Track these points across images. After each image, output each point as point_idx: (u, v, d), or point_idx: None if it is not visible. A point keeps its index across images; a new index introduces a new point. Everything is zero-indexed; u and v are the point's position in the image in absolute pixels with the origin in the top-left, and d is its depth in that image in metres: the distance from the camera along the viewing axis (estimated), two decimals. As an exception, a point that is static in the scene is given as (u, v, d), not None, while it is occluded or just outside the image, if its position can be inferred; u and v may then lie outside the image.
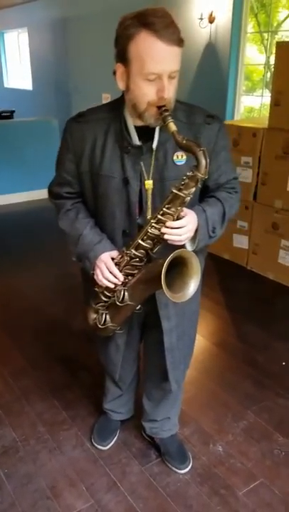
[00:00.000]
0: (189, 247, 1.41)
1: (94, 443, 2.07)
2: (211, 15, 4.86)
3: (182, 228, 1.32)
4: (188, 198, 1.30)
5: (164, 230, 1.31)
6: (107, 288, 1.48)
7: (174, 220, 1.31)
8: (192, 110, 1.44)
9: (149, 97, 1.26)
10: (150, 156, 1.39)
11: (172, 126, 1.23)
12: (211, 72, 5.12)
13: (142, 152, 1.38)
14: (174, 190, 1.29)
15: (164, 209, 1.31)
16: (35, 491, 1.86)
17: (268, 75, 4.99)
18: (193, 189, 1.28)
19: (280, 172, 3.41)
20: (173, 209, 1.30)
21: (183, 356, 1.73)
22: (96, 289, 1.53)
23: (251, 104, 5.41)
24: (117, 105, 1.41)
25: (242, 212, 3.77)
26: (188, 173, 1.27)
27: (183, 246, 1.38)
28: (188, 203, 1.34)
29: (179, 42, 1.23)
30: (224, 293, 3.45)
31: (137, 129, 1.38)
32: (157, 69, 1.22)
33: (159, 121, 1.28)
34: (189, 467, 1.95)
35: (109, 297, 1.51)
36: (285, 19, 5.00)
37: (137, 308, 1.50)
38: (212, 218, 1.43)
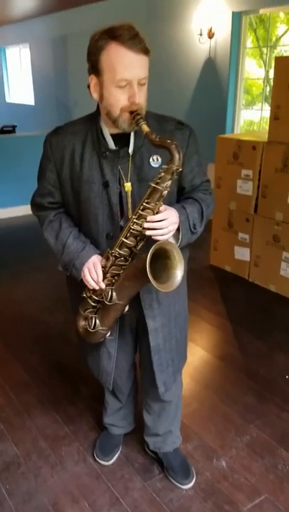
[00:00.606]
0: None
1: (96, 458, 2.05)
2: (210, 31, 4.93)
3: (163, 221, 1.37)
4: (166, 191, 1.36)
5: (146, 224, 1.36)
6: (95, 292, 1.51)
7: (153, 215, 1.37)
8: (163, 118, 1.53)
9: (122, 102, 1.35)
10: (127, 161, 1.46)
11: (145, 128, 1.32)
12: (211, 87, 5.17)
13: (118, 156, 1.45)
14: (152, 184, 1.36)
15: (144, 204, 1.37)
16: (37, 508, 1.84)
17: (267, 88, 5.04)
18: (170, 182, 1.36)
19: (280, 185, 3.43)
20: (152, 204, 1.37)
21: (170, 359, 1.73)
22: (84, 294, 1.56)
23: (251, 118, 5.46)
24: (93, 117, 1.50)
25: (243, 224, 3.78)
26: (163, 166, 1.35)
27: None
28: (166, 203, 1.40)
29: (146, 51, 1.33)
30: (226, 305, 3.45)
31: (113, 136, 1.46)
32: (127, 75, 1.31)
33: (133, 125, 1.37)
34: (193, 482, 1.93)
35: (97, 301, 1.54)
36: (283, 34, 5.07)
37: (126, 310, 1.54)
38: (192, 215, 1.50)
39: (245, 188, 3.68)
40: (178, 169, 1.34)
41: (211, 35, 4.94)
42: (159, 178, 1.35)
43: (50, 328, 3.07)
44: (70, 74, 7.63)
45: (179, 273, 1.40)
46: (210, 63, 5.12)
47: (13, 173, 5.43)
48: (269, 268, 3.67)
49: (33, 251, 4.21)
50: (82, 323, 1.59)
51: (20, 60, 9.76)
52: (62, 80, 7.92)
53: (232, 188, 3.78)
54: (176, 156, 1.31)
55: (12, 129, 7.84)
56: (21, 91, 9.91)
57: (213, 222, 4.10)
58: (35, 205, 1.64)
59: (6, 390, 2.52)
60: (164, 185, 1.35)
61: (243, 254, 3.86)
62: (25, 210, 5.51)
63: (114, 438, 2.10)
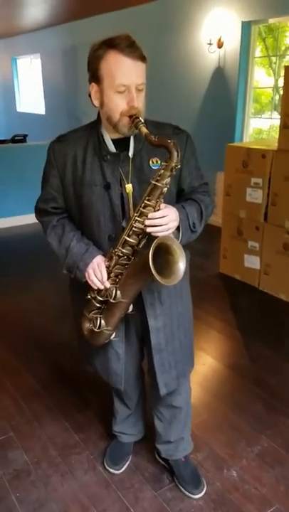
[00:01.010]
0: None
1: (106, 467, 2.05)
2: (219, 40, 4.97)
3: (164, 218, 1.41)
4: (166, 188, 1.41)
5: (147, 221, 1.40)
6: (99, 292, 1.54)
7: (154, 212, 1.41)
8: (161, 124, 1.58)
9: (121, 107, 1.41)
10: (128, 163, 1.51)
11: (144, 129, 1.38)
12: (220, 96, 5.20)
13: (119, 159, 1.50)
14: (152, 182, 1.41)
15: (145, 201, 1.41)
16: (47, 517, 1.84)
17: (277, 97, 5.05)
18: (169, 179, 1.41)
19: (290, 193, 3.43)
20: (153, 201, 1.41)
21: (174, 361, 1.73)
22: (88, 296, 1.58)
23: (260, 126, 5.47)
24: (94, 124, 1.56)
25: (253, 232, 3.78)
26: (163, 163, 1.40)
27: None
28: (166, 203, 1.44)
29: (142, 58, 1.40)
30: (235, 314, 3.44)
31: (113, 141, 1.52)
32: (126, 81, 1.38)
33: (132, 128, 1.42)
34: (203, 492, 1.92)
35: (102, 302, 1.56)
36: (292, 43, 5.09)
37: (130, 310, 1.56)
38: (191, 214, 1.54)
39: (255, 196, 3.68)
40: (176, 166, 1.39)
41: (220, 45, 4.98)
42: (159, 176, 1.40)
43: (60, 337, 3.07)
44: (80, 84, 7.71)
45: (181, 266, 1.43)
46: (219, 72, 5.15)
47: (24, 182, 5.48)
48: (279, 276, 3.65)
49: (43, 260, 4.24)
50: (87, 325, 1.61)
51: (31, 70, 9.88)
52: (73, 90, 8.01)
53: (241, 196, 3.78)
54: (175, 153, 1.37)
55: (23, 138, 7.93)
56: (32, 100, 10.02)
57: (222, 230, 4.10)
58: (39, 211, 1.68)
59: (16, 398, 2.53)
60: (164, 182, 1.40)
61: (252, 262, 3.85)
62: (33, 218, 5.56)
63: (124, 446, 2.10)
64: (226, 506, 1.87)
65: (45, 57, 8.79)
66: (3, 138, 8.65)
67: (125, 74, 1.37)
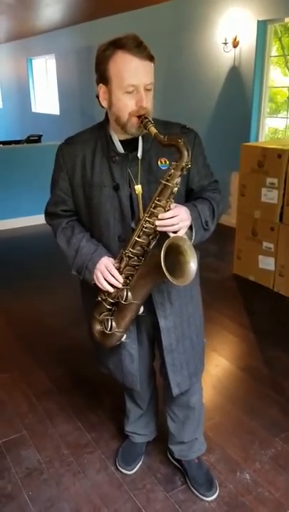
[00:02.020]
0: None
1: (118, 467, 2.04)
2: (235, 39, 4.93)
3: (174, 218, 1.40)
4: (176, 188, 1.40)
5: (157, 222, 1.39)
6: (110, 294, 1.53)
7: (165, 212, 1.40)
8: (169, 124, 1.56)
9: (130, 107, 1.40)
10: (136, 164, 1.50)
11: (153, 129, 1.37)
12: (236, 95, 5.16)
13: (128, 160, 1.49)
14: (163, 181, 1.40)
15: (156, 201, 1.41)
16: (59, 516, 1.84)
17: (293, 96, 5.00)
18: (179, 179, 1.40)
19: (306, 193, 3.39)
20: (163, 201, 1.40)
21: (185, 361, 1.72)
22: (99, 298, 1.57)
23: (275, 126, 5.42)
24: (101, 125, 1.56)
25: (268, 233, 3.75)
26: (173, 163, 1.39)
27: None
28: (175, 201, 1.43)
29: (150, 58, 1.39)
30: (250, 316, 3.41)
31: (122, 142, 1.51)
32: (134, 81, 1.37)
33: (141, 128, 1.41)
34: (216, 495, 1.90)
35: (112, 304, 1.55)
36: (309, 42, 5.04)
37: (141, 311, 1.55)
38: (203, 212, 1.53)
39: (270, 196, 3.65)
40: (187, 165, 1.38)
41: (235, 44, 4.94)
42: (169, 175, 1.39)
43: (75, 339, 3.07)
44: (95, 85, 7.72)
45: (192, 265, 1.42)
46: (234, 72, 5.12)
47: (39, 182, 5.49)
48: (294, 278, 3.61)
49: (58, 261, 4.25)
50: (98, 327, 1.61)
51: (46, 70, 9.94)
52: (87, 90, 8.03)
53: (256, 197, 3.75)
54: (185, 152, 1.35)
55: (38, 139, 7.98)
56: (47, 101, 10.09)
57: (236, 231, 4.07)
58: (49, 215, 1.68)
59: (29, 397, 2.54)
60: (174, 181, 1.39)
61: (267, 263, 3.82)
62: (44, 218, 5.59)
63: (136, 447, 2.09)
64: (238, 509, 1.85)
65: (59, 58, 8.84)
66: (18, 138, 8.72)
67: (134, 74, 1.36)
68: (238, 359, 2.88)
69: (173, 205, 1.42)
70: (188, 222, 1.45)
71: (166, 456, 2.10)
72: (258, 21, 4.72)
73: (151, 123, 1.38)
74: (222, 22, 5.09)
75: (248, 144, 4.06)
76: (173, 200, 1.42)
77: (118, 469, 2.04)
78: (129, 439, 2.11)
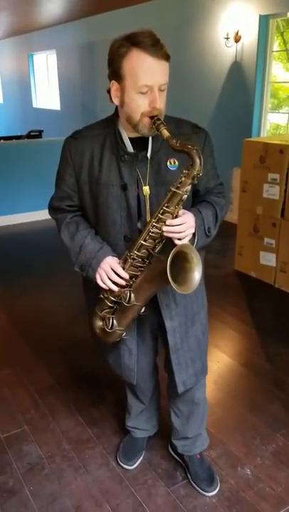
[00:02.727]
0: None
1: (120, 462, 2.05)
2: (236, 34, 4.91)
3: (181, 226, 1.39)
4: (186, 195, 1.39)
5: (164, 228, 1.38)
6: (112, 293, 1.52)
7: (173, 219, 1.39)
8: (180, 122, 1.54)
9: (143, 108, 1.37)
10: (145, 164, 1.48)
11: (166, 132, 1.34)
12: (237, 90, 5.14)
13: (137, 159, 1.47)
14: (173, 189, 1.38)
15: (164, 208, 1.39)
16: (61, 511, 1.84)
17: (295, 92, 4.98)
18: (190, 186, 1.38)
19: (308, 189, 3.38)
20: (172, 207, 1.39)
21: (190, 359, 1.72)
22: (101, 295, 1.57)
23: (277, 121, 5.40)
24: (111, 121, 1.52)
25: (269, 229, 3.74)
26: (184, 171, 1.37)
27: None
28: (183, 206, 1.42)
29: (167, 57, 1.35)
30: (251, 312, 3.41)
31: (131, 140, 1.48)
32: (149, 81, 1.33)
33: (153, 129, 1.38)
34: (217, 490, 1.90)
35: (114, 302, 1.55)
36: (311, 37, 5.01)
37: (142, 311, 1.55)
38: (207, 219, 1.52)
39: (272, 192, 3.64)
40: (198, 174, 1.36)
41: (237, 39, 4.92)
42: (180, 183, 1.37)
43: (77, 335, 3.08)
44: (96, 80, 7.70)
45: (197, 275, 1.42)
46: (236, 67, 5.09)
47: (40, 177, 5.50)
48: (296, 274, 3.61)
49: (61, 256, 4.24)
50: (99, 323, 1.61)
51: (47, 66, 9.91)
52: (89, 86, 8.01)
53: (258, 193, 3.74)
54: (197, 161, 1.34)
55: (39, 134, 7.97)
56: (48, 97, 10.06)
57: (238, 227, 4.06)
58: (54, 209, 1.67)
59: (31, 392, 2.54)
60: (184, 189, 1.38)
61: (269, 259, 3.81)
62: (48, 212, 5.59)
63: (137, 442, 2.10)
64: (239, 504, 1.85)
65: (61, 53, 8.80)
66: (19, 134, 8.71)
67: (149, 74, 1.32)
68: (240, 355, 2.88)
69: (181, 211, 1.41)
70: (193, 230, 1.44)
71: (167, 451, 2.10)
72: (260, 16, 4.70)
73: (164, 125, 1.35)
74: (224, 17, 5.06)
75: (250, 139, 4.05)
76: (181, 207, 1.41)
77: (119, 465, 2.04)
78: (130, 434, 2.11)
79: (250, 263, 3.98)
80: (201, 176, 1.48)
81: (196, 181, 1.38)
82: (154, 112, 1.36)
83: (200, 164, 1.34)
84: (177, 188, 1.37)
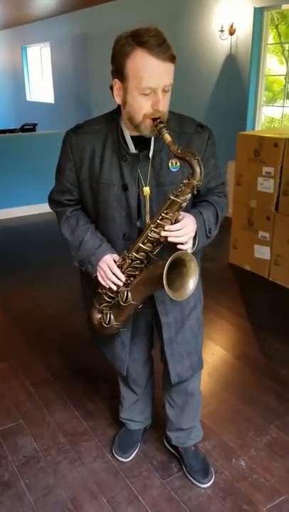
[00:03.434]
0: (189, 249, 1.46)
1: (115, 454, 2.06)
2: (231, 27, 4.89)
3: (182, 230, 1.39)
4: (185, 203, 1.38)
5: (163, 233, 1.38)
6: (110, 289, 1.54)
7: (172, 224, 1.38)
8: (183, 120, 1.52)
9: (145, 110, 1.35)
10: (147, 164, 1.46)
11: (168, 137, 1.32)
12: (232, 83, 5.13)
13: (138, 159, 1.46)
14: (172, 197, 1.37)
15: (163, 214, 1.39)
16: (56, 503, 1.85)
17: (289, 85, 4.98)
18: (189, 195, 1.37)
19: (302, 182, 3.38)
20: (171, 214, 1.38)
21: (186, 352, 1.73)
22: (99, 290, 1.58)
23: (272, 115, 5.39)
24: (113, 117, 1.49)
25: (264, 222, 3.75)
26: (184, 181, 1.36)
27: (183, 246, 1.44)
28: (183, 208, 1.41)
29: (172, 58, 1.32)
30: (245, 305, 3.42)
31: (133, 138, 1.46)
32: (153, 84, 1.31)
33: (155, 132, 1.36)
34: (211, 481, 1.92)
35: (112, 298, 1.56)
36: (306, 30, 5.00)
37: (139, 307, 1.56)
38: (208, 220, 1.51)
39: (267, 185, 3.64)
40: (198, 184, 1.35)
41: (232, 32, 4.90)
42: (179, 192, 1.36)
43: (73, 328, 3.08)
44: (90, 72, 7.65)
45: (192, 283, 1.43)
46: (231, 60, 5.08)
47: (34, 171, 5.48)
48: (290, 267, 3.62)
49: (55, 249, 4.23)
50: (97, 315, 1.63)
51: (40, 58, 9.83)
52: (83, 79, 7.96)
53: (252, 186, 3.75)
54: (198, 170, 1.32)
55: (33, 128, 7.91)
56: (41, 90, 9.99)
57: (232, 220, 4.06)
58: (54, 202, 1.66)
59: (26, 385, 2.54)
60: (184, 198, 1.37)
61: (263, 252, 3.82)
62: (46, 207, 5.57)
63: (132, 434, 2.11)
64: (234, 495, 1.87)
65: (54, 46, 8.74)
66: (12, 127, 8.64)
67: (153, 76, 1.29)
68: (234, 347, 2.90)
69: (181, 216, 1.40)
70: (193, 234, 1.44)
71: (162, 443, 2.11)
72: (255, 8, 4.68)
73: (166, 129, 1.32)
74: (218, 9, 5.04)
75: (244, 132, 4.05)
76: (181, 213, 1.40)
77: (115, 457, 2.05)
78: (126, 426, 2.12)
79: (245, 256, 3.99)
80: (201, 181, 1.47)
81: (195, 192, 1.38)
82: (157, 114, 1.34)
83: (200, 174, 1.33)
84: (176, 196, 1.36)
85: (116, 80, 1.37)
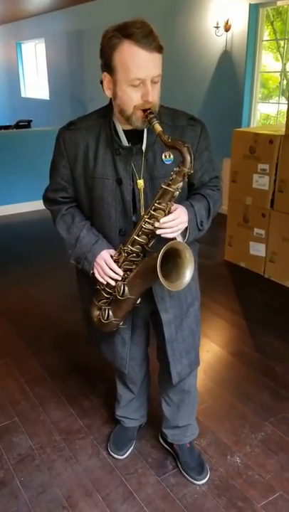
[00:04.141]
0: (180, 240, 1.46)
1: (110, 452, 2.06)
2: (226, 23, 4.88)
3: (174, 221, 1.39)
4: (177, 192, 1.38)
5: (157, 224, 1.38)
6: (108, 285, 1.54)
7: (165, 215, 1.39)
8: (176, 114, 1.52)
9: (135, 101, 1.35)
10: (140, 157, 1.46)
11: (158, 127, 1.33)
12: (227, 80, 5.12)
13: (132, 153, 1.46)
14: (164, 186, 1.37)
15: (156, 204, 1.39)
16: (51, 501, 1.85)
17: (284, 82, 4.97)
18: (181, 184, 1.37)
19: (298, 179, 3.38)
20: (164, 204, 1.38)
21: (184, 350, 1.74)
22: (98, 286, 1.58)
23: (267, 112, 5.39)
24: (106, 112, 1.49)
25: (259, 219, 3.75)
26: (175, 169, 1.36)
27: (174, 239, 1.44)
28: (177, 199, 1.42)
29: (159, 49, 1.31)
30: (240, 302, 3.42)
31: (126, 132, 1.46)
32: (141, 75, 1.31)
33: (146, 123, 1.37)
34: (207, 478, 1.92)
35: (110, 293, 1.56)
36: (301, 26, 4.99)
37: (137, 302, 1.56)
38: (200, 213, 1.51)
39: (262, 182, 3.64)
40: (189, 172, 1.35)
41: (227, 28, 4.89)
42: (171, 180, 1.37)
43: (68, 326, 3.08)
44: (85, 69, 7.62)
45: (188, 273, 1.43)
46: (226, 56, 5.07)
47: (29, 168, 5.45)
48: (285, 264, 3.63)
49: (51, 246, 4.23)
50: (96, 312, 1.62)
51: (35, 54, 9.78)
52: (78, 75, 7.92)
53: (248, 183, 3.74)
54: (188, 158, 1.33)
55: (28, 124, 7.88)
56: (36, 86, 9.94)
57: (228, 217, 4.06)
58: (48, 200, 1.65)
59: (21, 383, 2.54)
60: (176, 186, 1.37)
61: (258, 250, 3.83)
62: (41, 204, 5.55)
63: (128, 432, 2.11)
64: (229, 492, 1.87)
65: (49, 42, 8.69)
66: (7, 124, 8.61)
67: (141, 67, 1.30)
68: (229, 344, 2.90)
69: (173, 206, 1.40)
70: (186, 224, 1.44)
71: (157, 441, 2.12)
72: (250, 5, 4.67)
73: (157, 119, 1.33)
74: (214, 5, 5.03)
75: (239, 129, 4.04)
76: (173, 203, 1.40)
77: (110, 454, 2.05)
78: (121, 424, 2.12)
79: (240, 253, 3.99)
80: (194, 169, 1.46)
81: (186, 179, 1.38)
82: (147, 105, 1.34)
83: (190, 162, 1.33)
84: (168, 185, 1.37)
85: (105, 74, 1.38)
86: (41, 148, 5.40)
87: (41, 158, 5.62)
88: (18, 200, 5.61)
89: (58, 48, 8.39)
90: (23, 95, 10.49)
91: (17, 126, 7.80)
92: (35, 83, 10.00)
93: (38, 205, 5.55)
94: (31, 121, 8.04)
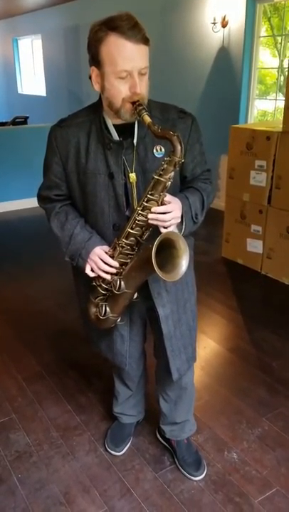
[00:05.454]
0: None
1: (107, 448, 2.06)
2: (223, 19, 4.86)
3: (167, 214, 1.38)
4: (169, 182, 1.37)
5: (150, 215, 1.38)
6: (104, 280, 1.53)
7: (158, 206, 1.38)
8: (166, 107, 1.52)
9: (123, 93, 1.35)
10: (132, 151, 1.46)
11: (147, 118, 1.32)
12: (224, 76, 5.11)
13: (122, 147, 1.46)
14: (155, 176, 1.37)
15: (148, 195, 1.38)
16: (48, 497, 1.85)
17: (282, 78, 4.97)
18: (172, 173, 1.36)
19: (295, 176, 3.38)
20: (156, 195, 1.38)
21: (183, 346, 1.74)
22: (93, 283, 1.57)
23: (265, 108, 5.38)
24: (96, 108, 1.50)
25: (256, 216, 3.75)
26: (166, 158, 1.36)
27: None
28: (170, 192, 1.41)
29: (145, 40, 1.32)
30: (237, 298, 3.43)
31: (117, 127, 1.46)
32: (128, 66, 1.31)
33: (135, 115, 1.36)
34: (204, 474, 1.93)
35: (107, 289, 1.56)
36: (298, 22, 4.98)
37: (134, 297, 1.56)
38: (194, 205, 1.51)
39: (259, 179, 3.64)
40: (180, 161, 1.35)
41: (224, 24, 4.87)
42: (162, 170, 1.36)
43: (65, 322, 3.08)
44: (82, 65, 7.58)
45: (184, 262, 1.42)
46: (223, 52, 5.05)
47: (25, 165, 5.43)
48: (282, 260, 3.63)
49: (46, 244, 4.21)
50: (93, 309, 1.62)
51: (32, 51, 9.73)
52: (74, 71, 7.89)
53: (245, 180, 3.74)
54: (178, 147, 1.32)
55: (24, 120, 7.85)
56: (33, 82, 9.90)
57: (225, 214, 4.06)
58: (42, 198, 1.65)
59: (18, 380, 2.54)
60: (167, 176, 1.36)
61: (255, 246, 3.83)
62: (35, 202, 5.54)
63: (125, 428, 2.11)
64: (226, 488, 1.88)
65: (46, 38, 8.65)
66: (4, 120, 8.57)
67: (127, 59, 1.30)
68: (226, 340, 2.91)
69: (167, 198, 1.39)
70: (180, 217, 1.44)
71: (154, 437, 2.12)
72: (247, 0, 4.65)
73: (145, 111, 1.33)
74: (211, 1, 5.01)
75: (236, 126, 4.03)
76: (166, 194, 1.39)
77: (107, 451, 2.06)
78: (118, 420, 2.12)
79: (237, 250, 3.99)
80: (186, 161, 1.47)
81: (178, 168, 1.37)
82: (135, 97, 1.34)
83: (181, 151, 1.32)
84: (160, 175, 1.36)
85: (93, 68, 1.38)
86: (38, 145, 5.35)
87: (38, 155, 5.58)
88: (14, 198, 5.59)
89: (55, 44, 8.35)
90: (19, 92, 10.45)
91: (14, 122, 7.76)
92: (32, 79, 9.95)
93: (35, 202, 5.51)
94: (28, 117, 8.00)
